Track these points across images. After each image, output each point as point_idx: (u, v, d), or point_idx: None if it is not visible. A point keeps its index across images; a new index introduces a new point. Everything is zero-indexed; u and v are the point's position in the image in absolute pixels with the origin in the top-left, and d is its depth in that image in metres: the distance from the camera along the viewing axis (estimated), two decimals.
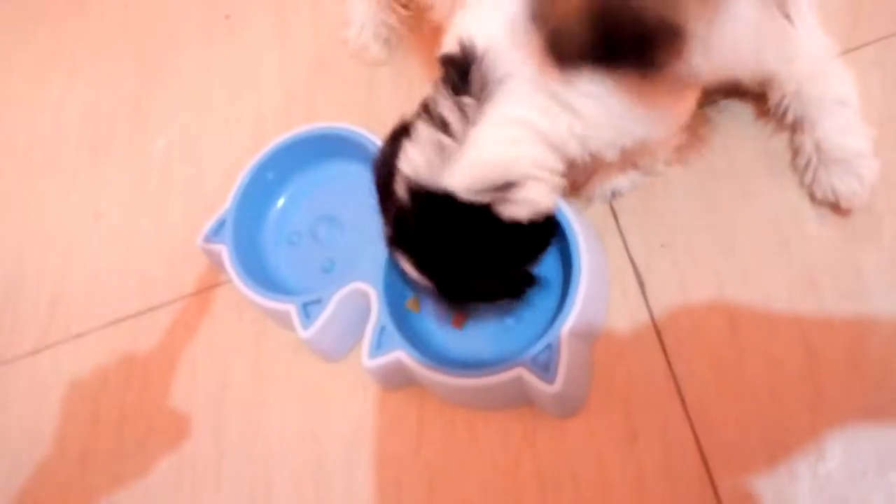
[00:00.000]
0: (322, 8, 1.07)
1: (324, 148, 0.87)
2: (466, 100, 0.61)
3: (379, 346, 0.73)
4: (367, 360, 0.73)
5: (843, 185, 0.73)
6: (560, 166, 0.65)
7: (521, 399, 0.73)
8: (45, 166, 1.06)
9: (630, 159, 0.76)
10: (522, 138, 0.62)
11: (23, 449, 0.87)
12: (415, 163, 0.62)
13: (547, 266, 0.77)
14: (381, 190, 0.67)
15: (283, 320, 0.80)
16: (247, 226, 0.85)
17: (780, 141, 0.81)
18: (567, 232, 0.73)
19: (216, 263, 0.85)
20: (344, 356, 0.82)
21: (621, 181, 0.80)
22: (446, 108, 0.61)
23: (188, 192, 0.98)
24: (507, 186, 0.62)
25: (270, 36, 1.07)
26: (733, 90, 0.83)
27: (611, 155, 0.67)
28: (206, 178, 0.98)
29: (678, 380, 0.73)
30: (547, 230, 0.68)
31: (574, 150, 0.65)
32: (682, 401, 0.72)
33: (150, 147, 1.03)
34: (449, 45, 0.64)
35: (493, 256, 0.65)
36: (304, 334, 0.76)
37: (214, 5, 1.13)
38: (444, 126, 0.61)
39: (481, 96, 0.61)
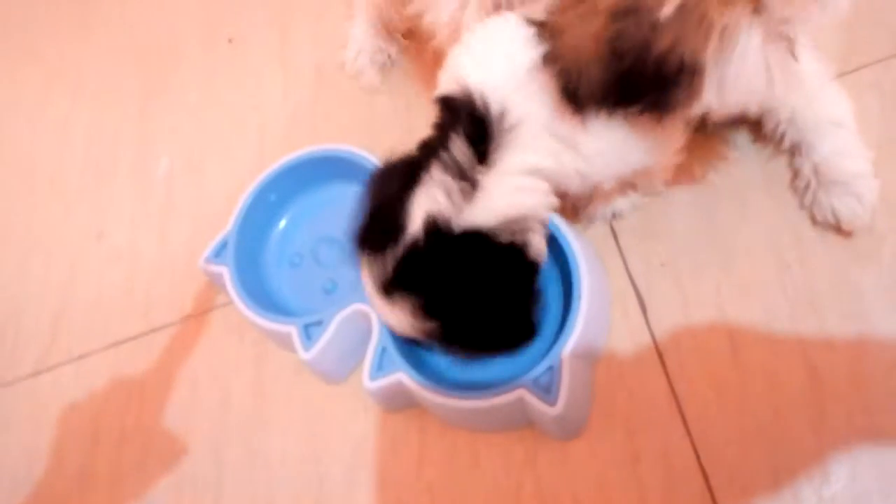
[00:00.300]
0: (324, 31, 1.08)
1: (326, 170, 0.87)
2: (479, 147, 0.61)
3: (380, 368, 0.73)
4: (369, 382, 0.73)
5: (844, 207, 0.73)
6: (555, 204, 0.67)
7: (522, 421, 0.73)
8: (48, 186, 1.07)
9: (629, 182, 0.77)
10: (534, 187, 0.64)
11: (22, 468, 0.86)
12: (435, 202, 0.61)
13: (547, 287, 0.78)
14: (374, 225, 0.65)
15: (284, 342, 0.80)
16: (248, 247, 0.85)
17: (780, 161, 0.81)
18: (567, 253, 0.73)
19: (218, 285, 0.85)
20: (345, 378, 0.81)
21: (621, 203, 0.80)
22: (460, 153, 0.61)
23: (190, 214, 0.98)
24: (525, 229, 0.63)
25: (272, 58, 1.08)
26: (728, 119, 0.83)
27: (608, 185, 0.69)
28: (208, 200, 0.98)
29: (680, 400, 0.73)
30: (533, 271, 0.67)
31: (575, 184, 0.66)
32: (685, 422, 0.72)
33: (153, 168, 1.04)
34: (447, 86, 0.65)
35: (505, 297, 0.65)
36: (305, 356, 0.76)
37: (217, 28, 1.14)
38: (459, 171, 0.61)
39: (494, 144, 0.61)
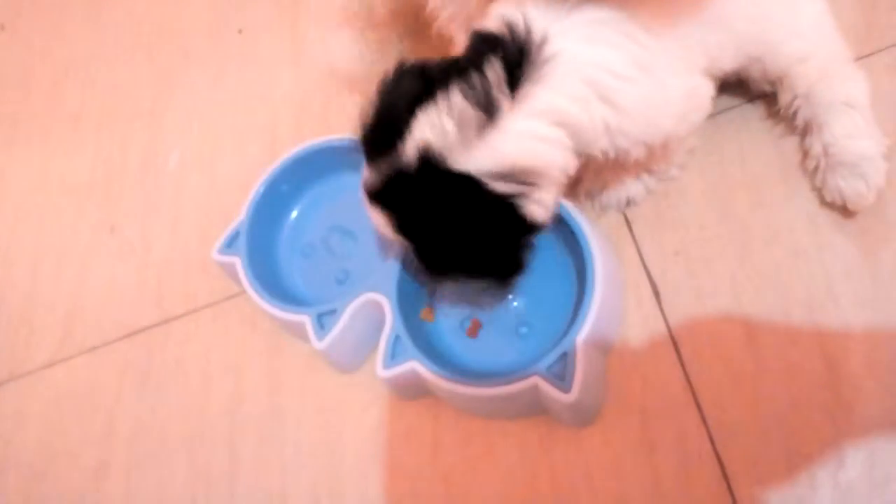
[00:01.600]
0: (334, 21, 1.07)
1: (337, 159, 0.87)
2: (513, 74, 0.59)
3: (393, 357, 0.73)
4: (382, 371, 0.73)
5: (849, 187, 0.73)
6: (574, 169, 0.65)
7: (536, 408, 0.73)
8: (60, 180, 1.07)
9: (645, 164, 0.76)
10: (556, 139, 0.61)
11: (37, 462, 0.87)
12: (440, 130, 0.58)
13: (561, 274, 0.77)
14: (377, 130, 0.62)
15: (297, 331, 0.80)
16: (261, 237, 0.85)
17: (794, 147, 0.80)
18: (581, 241, 0.73)
19: (230, 275, 0.85)
20: (358, 367, 0.81)
21: (636, 188, 0.80)
22: (493, 74, 0.58)
23: (202, 205, 0.98)
24: (530, 183, 0.61)
25: (283, 49, 1.08)
26: (743, 91, 0.83)
27: (636, 152, 0.67)
28: (220, 191, 0.98)
29: (695, 389, 0.72)
30: (534, 230, 0.65)
31: (603, 145, 0.65)
32: (700, 410, 0.71)
33: (165, 160, 1.04)
34: (491, 24, 0.62)
35: (487, 236, 0.63)
36: (318, 345, 0.76)
37: (227, 20, 1.14)
38: (484, 97, 0.58)
39: (528, 74, 0.59)
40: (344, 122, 0.96)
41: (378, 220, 0.65)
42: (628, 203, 0.81)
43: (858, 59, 0.82)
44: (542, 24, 0.60)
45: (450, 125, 0.58)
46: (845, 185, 0.73)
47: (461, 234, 0.62)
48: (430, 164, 0.59)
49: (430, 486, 0.75)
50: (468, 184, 0.59)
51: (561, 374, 0.67)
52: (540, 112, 0.60)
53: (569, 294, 0.76)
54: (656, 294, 0.77)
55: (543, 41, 0.60)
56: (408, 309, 0.76)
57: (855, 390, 0.69)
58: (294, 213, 0.89)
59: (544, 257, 0.78)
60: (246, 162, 0.99)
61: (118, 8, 1.22)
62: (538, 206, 0.63)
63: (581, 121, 0.62)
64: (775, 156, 0.81)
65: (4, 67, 1.21)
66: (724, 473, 0.69)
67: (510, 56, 0.59)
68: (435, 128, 0.58)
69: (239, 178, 0.96)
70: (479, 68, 0.59)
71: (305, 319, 0.77)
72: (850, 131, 0.74)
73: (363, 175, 0.65)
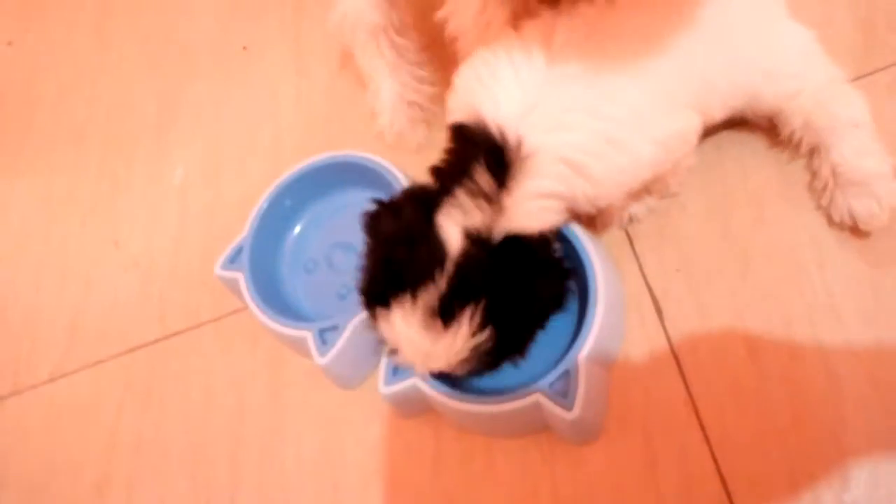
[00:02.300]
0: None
1: (340, 176, 0.87)
2: (499, 174, 0.64)
3: (395, 373, 0.73)
4: (384, 388, 0.73)
5: (861, 207, 0.73)
6: (567, 219, 0.72)
7: (537, 426, 0.73)
8: (64, 195, 1.08)
9: (644, 188, 0.77)
10: (549, 208, 0.67)
11: (39, 476, 0.86)
12: (472, 217, 0.63)
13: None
14: (409, 261, 0.64)
15: (299, 347, 0.80)
16: (264, 253, 0.85)
17: (798, 164, 0.80)
18: (583, 258, 0.73)
19: (233, 290, 0.85)
20: (360, 383, 0.81)
21: (636, 207, 0.80)
22: (483, 181, 0.64)
23: (206, 220, 0.99)
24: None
25: (287, 66, 1.09)
26: (742, 125, 0.83)
27: (619, 201, 0.72)
28: (223, 206, 0.99)
29: (697, 405, 0.72)
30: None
31: (584, 207, 0.69)
32: (702, 426, 0.71)
33: (169, 176, 1.04)
34: (459, 114, 0.68)
35: (547, 287, 0.69)
36: (320, 361, 0.76)
37: (231, 36, 1.15)
38: (484, 196, 0.63)
39: (512, 172, 0.64)
40: (347, 139, 0.98)
41: (447, 342, 0.63)
42: (630, 220, 0.81)
43: (858, 78, 0.82)
44: (513, 124, 0.64)
45: (475, 212, 0.63)
46: (857, 205, 0.73)
47: (529, 287, 0.66)
48: (479, 241, 0.63)
49: (431, 503, 0.74)
50: (514, 242, 0.64)
51: (563, 392, 0.67)
52: (530, 194, 0.65)
53: (571, 311, 0.76)
54: (658, 310, 0.77)
55: (519, 143, 0.64)
56: None
57: (858, 408, 0.69)
58: (297, 229, 0.90)
59: None
60: (249, 178, 0.99)
61: (124, 25, 1.23)
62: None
63: (565, 193, 0.67)
64: (777, 172, 0.81)
65: (11, 83, 1.22)
66: (727, 491, 0.68)
67: (491, 163, 0.64)
68: (463, 217, 0.63)
69: (242, 193, 0.96)
70: (469, 176, 0.64)
71: (307, 335, 0.77)
72: (858, 150, 0.73)
73: (387, 336, 0.66)
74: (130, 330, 0.93)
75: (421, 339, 0.63)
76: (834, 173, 0.74)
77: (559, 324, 0.75)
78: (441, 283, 0.62)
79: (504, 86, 0.66)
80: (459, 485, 0.74)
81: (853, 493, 0.66)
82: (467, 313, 0.62)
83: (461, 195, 0.64)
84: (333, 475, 0.78)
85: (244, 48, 1.13)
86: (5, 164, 1.13)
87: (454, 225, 0.63)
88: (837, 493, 0.66)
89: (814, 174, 0.78)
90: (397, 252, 0.65)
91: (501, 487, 0.73)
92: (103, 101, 1.15)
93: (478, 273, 0.63)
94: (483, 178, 0.64)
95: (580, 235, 0.74)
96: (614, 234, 0.82)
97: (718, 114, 0.75)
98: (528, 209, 0.65)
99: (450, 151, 0.68)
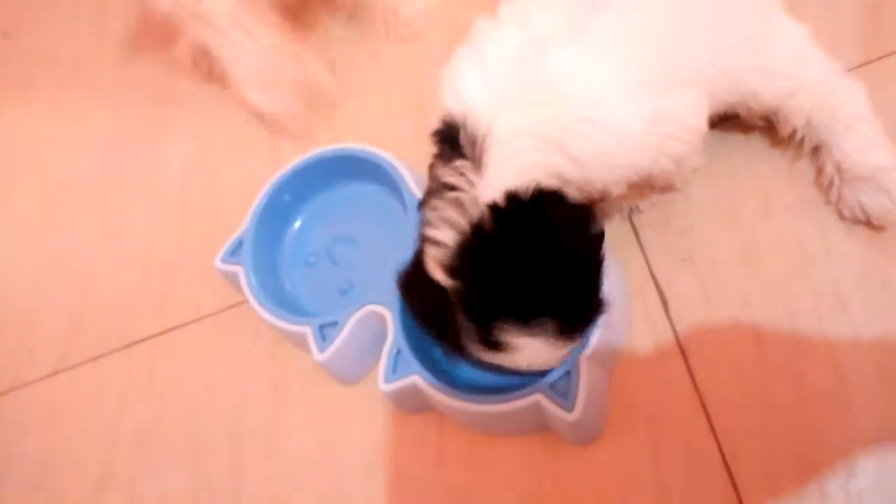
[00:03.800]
0: (337, 28, 1.07)
1: (341, 169, 0.87)
2: (461, 162, 0.61)
3: (395, 371, 0.72)
4: (383, 385, 0.72)
5: (873, 203, 0.72)
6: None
7: (538, 426, 0.72)
8: (62, 187, 1.07)
9: (647, 185, 0.76)
10: (534, 146, 0.62)
11: (40, 472, 0.86)
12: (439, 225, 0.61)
13: None
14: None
15: (299, 342, 0.80)
16: (264, 246, 0.84)
17: (799, 154, 0.80)
18: None
19: (233, 284, 0.85)
20: (360, 379, 0.81)
21: (639, 199, 0.79)
22: (447, 175, 0.62)
23: (205, 213, 0.98)
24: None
25: None
26: (739, 127, 0.81)
27: (617, 190, 0.67)
28: (223, 199, 0.98)
29: (703, 396, 0.72)
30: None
31: (573, 190, 0.64)
32: (708, 418, 0.71)
33: (167, 167, 1.03)
34: (437, 120, 0.65)
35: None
36: (319, 357, 0.76)
37: None
38: (453, 188, 0.61)
39: (475, 153, 0.61)
40: (349, 132, 0.97)
41: (537, 340, 0.61)
42: (632, 211, 0.81)
43: (865, 64, 0.81)
44: (475, 99, 0.62)
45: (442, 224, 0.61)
46: (868, 201, 0.72)
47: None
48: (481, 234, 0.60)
49: (434, 498, 0.74)
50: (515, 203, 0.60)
51: (564, 392, 0.67)
52: (503, 160, 0.61)
53: None
54: (663, 302, 0.77)
55: (464, 120, 0.62)
56: (410, 322, 0.75)
57: (865, 398, 0.68)
58: (298, 223, 0.89)
59: None
60: (249, 170, 0.98)
61: (122, 15, 1.21)
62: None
63: (546, 161, 0.62)
64: (783, 162, 0.80)
65: (7, 74, 1.21)
66: (734, 483, 0.68)
67: (447, 151, 0.63)
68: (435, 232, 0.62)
69: (242, 186, 0.95)
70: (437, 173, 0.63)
71: (307, 330, 0.77)
72: (860, 145, 0.72)
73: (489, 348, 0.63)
74: (130, 324, 0.93)
75: (515, 339, 0.61)
76: (839, 170, 0.73)
77: None
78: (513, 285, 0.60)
79: (466, 72, 0.64)
80: (463, 478, 0.74)
81: (860, 483, 0.66)
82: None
83: (434, 203, 0.62)
84: (336, 469, 0.78)
85: None
86: (3, 157, 1.13)
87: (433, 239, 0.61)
88: (844, 483, 0.66)
89: (818, 171, 0.77)
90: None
91: (506, 482, 0.73)
92: (100, 92, 1.14)
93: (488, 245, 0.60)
94: (446, 171, 0.62)
95: None
96: (619, 225, 0.81)
97: (716, 105, 0.72)
98: (509, 150, 0.61)
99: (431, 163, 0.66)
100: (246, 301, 0.82)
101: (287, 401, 0.83)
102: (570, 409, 0.66)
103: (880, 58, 0.83)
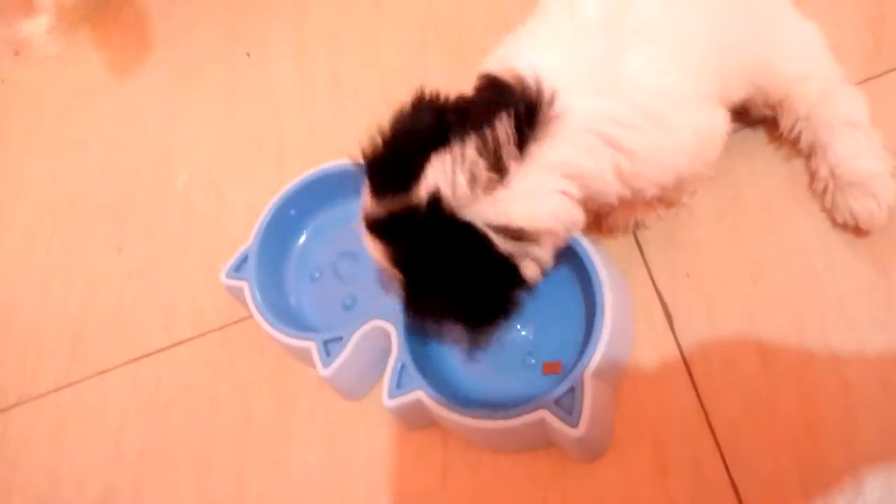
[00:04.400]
0: (341, 44, 1.08)
1: (346, 184, 0.86)
2: (522, 132, 0.59)
3: (399, 386, 0.72)
4: (387, 400, 0.72)
5: (860, 207, 0.73)
6: (582, 224, 0.65)
7: (542, 442, 0.72)
8: (68, 202, 1.07)
9: (658, 199, 0.76)
10: (564, 192, 0.61)
11: (44, 486, 0.86)
12: (452, 181, 0.58)
13: (570, 303, 0.77)
14: (388, 163, 0.62)
15: (304, 357, 0.80)
16: (269, 262, 0.85)
17: (803, 169, 0.80)
18: (590, 271, 0.72)
19: (238, 299, 0.85)
20: (364, 395, 0.81)
21: (645, 213, 0.79)
22: (503, 133, 0.58)
23: (210, 228, 0.98)
24: (529, 241, 0.61)
25: (290, 72, 1.08)
26: (744, 116, 0.82)
27: (651, 193, 0.68)
28: (228, 214, 0.98)
29: (709, 413, 0.71)
30: (523, 286, 0.65)
31: (614, 189, 0.64)
32: (714, 435, 0.70)
33: (173, 182, 1.04)
34: (500, 70, 0.63)
35: (478, 285, 0.63)
36: (324, 372, 0.76)
37: (235, 43, 1.14)
38: (494, 155, 0.58)
39: (537, 131, 0.59)
40: (351, 145, 0.97)
41: (374, 249, 0.65)
42: (636, 226, 0.81)
43: (868, 79, 0.82)
44: (551, 78, 0.60)
45: (461, 178, 0.58)
46: (856, 206, 0.73)
47: (454, 280, 0.62)
48: (438, 210, 0.59)
49: None
50: (471, 234, 0.59)
51: (569, 408, 0.67)
52: (549, 166, 0.60)
53: (578, 323, 0.75)
54: (668, 316, 0.77)
55: (552, 99, 0.60)
56: (414, 337, 0.75)
57: (871, 413, 0.68)
58: (302, 238, 0.89)
59: (553, 286, 0.77)
60: (254, 185, 0.99)
61: (126, 29, 1.22)
62: (533, 264, 0.63)
63: (592, 169, 0.62)
64: (786, 176, 0.80)
65: (16, 91, 1.22)
66: (739, 499, 0.68)
67: (520, 114, 0.59)
68: (447, 177, 0.58)
69: (247, 201, 0.96)
70: (490, 123, 0.59)
71: (311, 346, 0.77)
72: (855, 150, 0.73)
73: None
74: (135, 338, 0.93)
75: (363, 229, 0.64)
76: (832, 174, 0.74)
77: (566, 336, 0.75)
78: (387, 206, 0.61)
79: (550, 39, 0.63)
80: (467, 494, 0.74)
81: (867, 500, 0.65)
82: (385, 246, 0.63)
83: (470, 147, 0.58)
84: (341, 485, 0.77)
85: (248, 54, 1.13)
86: (10, 172, 1.13)
87: (436, 177, 0.58)
88: (851, 500, 0.65)
89: (812, 175, 0.77)
90: (390, 150, 0.63)
91: (510, 497, 0.73)
92: (107, 107, 1.15)
93: (409, 232, 0.61)
94: (503, 129, 0.58)
95: (588, 249, 0.73)
96: (623, 240, 0.81)
97: (738, 93, 0.74)
98: (538, 188, 0.60)
99: (476, 95, 0.63)
100: (251, 316, 0.82)
101: (291, 416, 0.83)
102: (574, 424, 0.66)
103: (884, 73, 0.83)
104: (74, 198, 1.07)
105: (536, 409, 0.67)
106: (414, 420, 0.75)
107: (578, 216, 0.64)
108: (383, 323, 0.75)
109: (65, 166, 1.11)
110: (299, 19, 1.13)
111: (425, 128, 0.61)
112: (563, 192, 0.61)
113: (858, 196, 0.73)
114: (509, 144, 0.58)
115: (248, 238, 0.84)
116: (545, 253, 0.63)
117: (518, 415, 0.67)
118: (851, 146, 0.73)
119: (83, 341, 0.95)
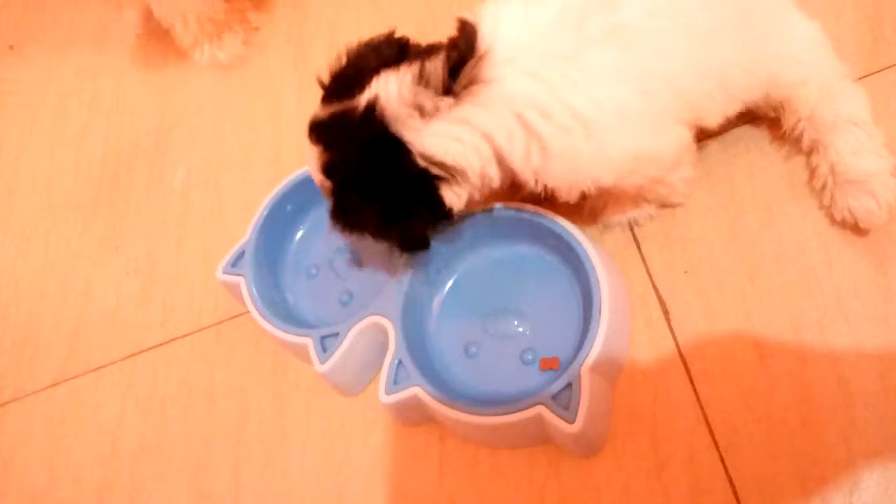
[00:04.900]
0: (339, 39, 1.08)
1: None
2: (448, 82, 0.64)
3: (396, 382, 0.72)
4: (384, 396, 0.72)
5: (860, 205, 0.73)
6: (498, 182, 0.68)
7: (540, 438, 0.72)
8: (66, 198, 1.07)
9: (641, 194, 0.76)
10: (475, 147, 0.65)
11: (40, 482, 0.86)
12: (390, 96, 0.63)
13: (567, 299, 0.77)
14: (342, 75, 0.68)
15: (300, 353, 0.80)
16: (266, 257, 0.84)
17: (802, 165, 0.80)
18: (587, 268, 0.72)
19: (235, 295, 0.85)
20: (361, 391, 0.81)
21: (636, 212, 0.79)
22: (434, 76, 0.63)
23: (207, 224, 0.98)
24: (448, 175, 0.66)
25: (288, 67, 1.08)
26: (747, 117, 0.82)
27: (566, 195, 0.70)
28: (225, 210, 0.98)
29: (706, 409, 0.71)
30: (444, 215, 0.69)
31: (526, 177, 0.67)
32: (711, 431, 0.70)
33: (170, 178, 1.04)
34: (479, 16, 0.66)
35: (402, 200, 0.67)
36: (320, 368, 0.75)
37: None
38: (424, 89, 0.63)
39: (458, 88, 0.63)
40: None
41: (311, 157, 0.68)
42: (631, 223, 0.81)
43: (866, 76, 0.82)
44: (499, 44, 0.64)
45: (396, 95, 0.63)
46: (855, 204, 0.73)
47: (380, 191, 0.66)
48: (372, 116, 0.64)
49: None
50: (396, 145, 0.64)
51: (566, 404, 0.66)
52: (465, 122, 0.64)
53: (575, 319, 0.75)
54: (665, 313, 0.77)
55: (480, 57, 0.63)
56: (411, 333, 0.75)
57: (868, 410, 0.68)
58: (299, 234, 0.89)
59: (550, 282, 0.77)
60: (251, 181, 0.99)
61: (123, 28, 1.22)
62: (453, 195, 0.67)
63: (502, 145, 0.65)
64: (784, 173, 0.80)
65: (13, 86, 1.22)
66: (736, 495, 0.68)
67: (451, 59, 0.64)
68: (386, 92, 0.64)
69: (244, 197, 0.96)
70: (428, 58, 0.64)
71: (308, 342, 0.77)
72: (856, 148, 0.73)
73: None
74: (132, 335, 0.93)
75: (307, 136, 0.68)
76: (832, 172, 0.74)
77: (563, 332, 0.75)
78: (325, 111, 0.67)
79: (528, 10, 0.65)
80: (465, 491, 0.74)
81: (863, 496, 0.65)
82: (319, 150, 0.67)
83: (409, 71, 0.64)
84: (337, 482, 0.77)
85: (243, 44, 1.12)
86: (6, 168, 1.13)
87: (378, 89, 0.64)
88: (847, 496, 0.66)
89: (812, 172, 0.77)
90: (349, 66, 0.69)
91: (508, 493, 0.73)
92: (103, 104, 1.15)
93: (343, 135, 0.65)
94: (434, 66, 0.64)
95: (585, 245, 0.73)
96: (621, 236, 0.81)
97: (714, 117, 0.73)
98: (449, 133, 0.64)
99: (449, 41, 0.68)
100: (247, 312, 0.82)
101: (288, 412, 0.82)
102: (571, 420, 0.66)
103: (882, 69, 0.83)
104: (72, 193, 1.07)
105: (533, 405, 0.67)
106: (411, 416, 0.75)
107: (493, 173, 0.67)
108: (380, 319, 0.75)
109: (62, 161, 1.11)
110: (297, 14, 1.13)
111: (386, 54, 0.67)
112: (476, 147, 0.65)
113: (858, 194, 0.73)
114: (438, 83, 0.63)
115: (244, 234, 0.84)
116: (463, 191, 0.67)
117: (515, 411, 0.67)
118: (852, 143, 0.74)
119: (80, 337, 0.95)
